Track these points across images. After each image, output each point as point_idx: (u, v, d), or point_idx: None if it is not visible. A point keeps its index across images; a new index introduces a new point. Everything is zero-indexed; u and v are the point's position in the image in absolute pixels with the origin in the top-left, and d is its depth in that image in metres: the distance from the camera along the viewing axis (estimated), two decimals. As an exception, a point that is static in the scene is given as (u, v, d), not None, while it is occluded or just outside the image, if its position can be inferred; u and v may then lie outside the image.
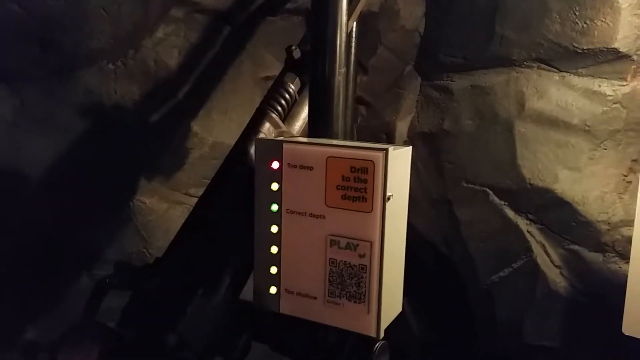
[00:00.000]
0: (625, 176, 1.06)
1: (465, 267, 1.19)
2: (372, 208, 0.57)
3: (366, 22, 1.09)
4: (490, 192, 1.15)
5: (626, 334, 0.89)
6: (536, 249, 1.09)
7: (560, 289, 1.07)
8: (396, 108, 1.28)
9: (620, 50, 1.00)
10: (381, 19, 1.19)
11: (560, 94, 1.06)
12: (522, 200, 1.11)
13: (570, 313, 1.06)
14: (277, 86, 0.83)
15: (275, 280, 0.64)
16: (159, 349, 0.60)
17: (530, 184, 1.10)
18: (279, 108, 0.80)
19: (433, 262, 1.25)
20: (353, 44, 0.84)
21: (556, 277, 1.07)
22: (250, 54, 1.09)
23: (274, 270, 0.64)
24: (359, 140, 1.28)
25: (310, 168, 0.60)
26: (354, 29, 0.82)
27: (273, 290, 0.64)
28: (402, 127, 1.28)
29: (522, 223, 1.10)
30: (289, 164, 0.61)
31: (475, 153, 1.16)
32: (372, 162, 0.56)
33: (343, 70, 0.68)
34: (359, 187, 0.57)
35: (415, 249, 1.24)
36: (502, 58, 1.12)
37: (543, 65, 1.09)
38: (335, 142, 0.66)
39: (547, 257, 1.08)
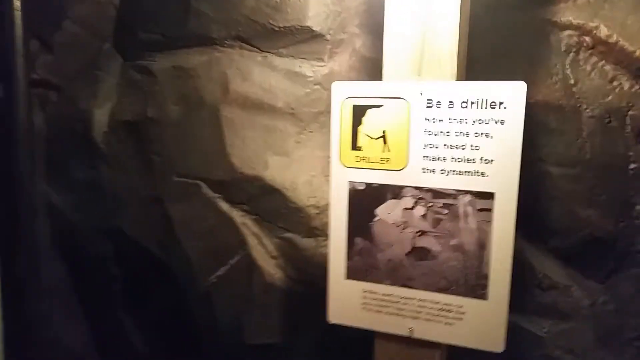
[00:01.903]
0: (330, 158, 1.03)
1: (183, 270, 1.06)
2: None
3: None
4: (203, 184, 1.04)
5: (332, 321, 0.85)
6: (252, 241, 1.01)
7: (277, 280, 1.00)
8: (93, 93, 1.08)
9: (314, 29, 0.97)
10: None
11: (264, 75, 0.99)
12: (235, 192, 1.02)
13: (288, 305, 1.01)
14: None
15: None
16: None
17: (241, 173, 1.01)
18: None
19: (149, 269, 1.09)
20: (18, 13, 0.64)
21: (272, 269, 1.01)
22: None
23: None
24: (49, 132, 1.04)
25: None
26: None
27: None
28: (101, 115, 1.08)
29: (236, 215, 1.02)
30: None
31: (184, 143, 1.04)
32: None
33: None
34: None
35: (128, 256, 1.07)
36: (202, 36, 1.01)
37: (244, 45, 1.01)
38: None
39: (262, 249, 1.01)
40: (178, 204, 1.05)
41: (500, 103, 0.70)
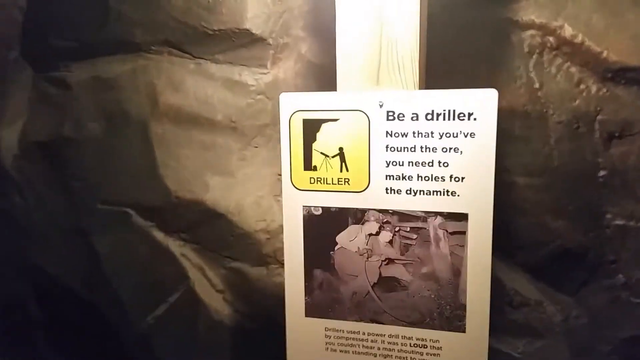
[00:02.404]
0: (280, 175, 0.93)
1: (114, 312, 0.93)
2: None
3: None
4: (133, 212, 0.91)
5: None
6: (194, 274, 0.92)
7: (226, 318, 0.89)
8: (0, 110, 0.92)
9: (254, 32, 0.86)
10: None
11: (199, 85, 0.88)
12: (171, 219, 0.91)
13: (240, 345, 0.90)
14: None
15: None
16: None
17: (177, 197, 0.89)
18: None
19: (75, 311, 0.94)
20: None
21: (220, 305, 0.90)
22: None
23: None
24: None
25: None
26: None
27: None
28: (10, 135, 0.93)
29: (174, 246, 0.92)
30: None
31: (108, 165, 0.91)
32: None
33: None
34: None
35: (50, 297, 0.92)
36: (124, 42, 0.88)
37: (174, 51, 0.89)
38: None
39: (207, 283, 0.91)
40: (104, 235, 0.92)
41: (470, 114, 0.63)
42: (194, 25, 0.87)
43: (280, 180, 0.90)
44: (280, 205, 0.92)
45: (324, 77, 0.84)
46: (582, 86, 0.76)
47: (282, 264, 0.92)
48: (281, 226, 0.92)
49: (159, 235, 0.92)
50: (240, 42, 0.88)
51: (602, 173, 0.78)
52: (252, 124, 0.90)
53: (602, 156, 0.78)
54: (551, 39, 0.77)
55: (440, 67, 0.79)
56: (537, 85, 0.78)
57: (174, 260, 0.91)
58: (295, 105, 0.68)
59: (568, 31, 0.76)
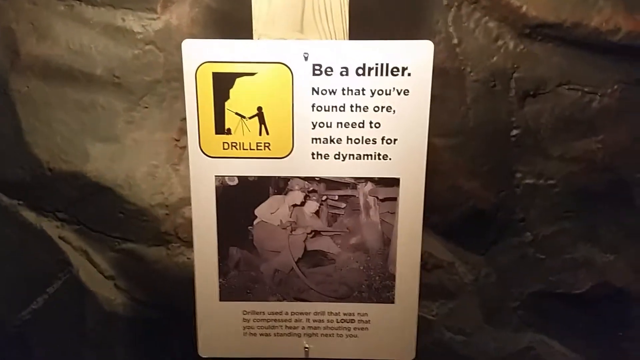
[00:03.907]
0: (178, 140, 0.82)
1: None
2: None
3: None
4: (-2, 189, 0.75)
5: (203, 356, 0.65)
6: (77, 259, 0.81)
7: (120, 308, 0.78)
8: None
9: (140, -32, 0.72)
10: None
11: (71, 31, 0.74)
12: (44, 195, 0.78)
13: (140, 339, 0.79)
14: None
15: None
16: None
17: (50, 169, 0.75)
18: None
19: None
20: None
21: (111, 293, 0.80)
22: None
23: None
24: None
25: None
26: None
27: None
28: None
29: (50, 227, 0.80)
30: None
31: (-46, 131, 0.72)
32: None
33: None
34: None
35: None
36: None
37: (36, -12, 0.71)
38: None
39: (93, 269, 0.82)
40: (-44, 219, 0.74)
41: (404, 68, 0.57)
42: (61, -44, 0.71)
43: (178, 147, 0.79)
44: (179, 176, 0.80)
45: (227, 27, 0.73)
46: (500, 42, 0.75)
47: (185, 243, 0.81)
48: (182, 200, 0.81)
49: (30, 215, 0.78)
50: (122, -19, 0.74)
51: (514, 132, 0.78)
52: (140, 80, 0.77)
53: (515, 115, 0.77)
54: (470, -9, 0.74)
55: (356, 20, 0.72)
56: (455, 41, 0.75)
57: (51, 245, 0.80)
58: (202, 55, 0.57)
59: (487, -17, 0.73)
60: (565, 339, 0.84)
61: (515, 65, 0.75)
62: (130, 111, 0.77)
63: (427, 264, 0.84)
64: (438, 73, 0.75)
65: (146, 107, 0.78)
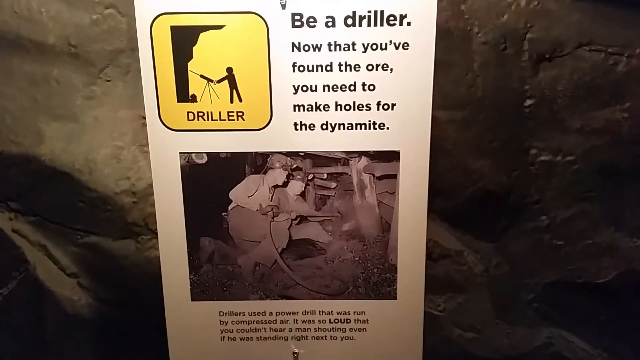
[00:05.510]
0: (145, 118, 0.74)
1: None
2: None
3: None
4: None
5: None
6: (34, 255, 0.77)
7: (84, 309, 0.77)
8: None
9: None
10: None
11: None
12: None
13: (105, 340, 0.74)
14: None
15: None
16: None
17: (-1, 152, 0.68)
18: None
19: None
20: None
21: (73, 293, 0.78)
22: None
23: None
24: None
25: None
26: None
27: None
28: None
29: (1, 219, 0.76)
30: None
31: None
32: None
33: None
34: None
35: None
36: None
37: (-27, -59, 0.64)
38: None
39: (53, 265, 0.77)
40: None
41: (402, 17, 0.48)
42: None
43: (146, 126, 0.71)
44: (148, 159, 0.73)
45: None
46: (510, -2, 0.67)
47: (156, 235, 0.75)
48: (152, 185, 0.74)
49: (-23, 206, 0.71)
50: None
51: (528, 102, 0.72)
52: (100, 49, 0.71)
53: (529, 82, 0.71)
54: (476, -64, 0.67)
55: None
56: (460, -3, 0.67)
57: (3, 240, 0.76)
58: (158, 5, 0.48)
59: None
60: (586, 334, 0.79)
61: (528, 25, 0.68)
62: (89, 85, 0.72)
63: (433, 254, 0.78)
64: (440, 34, 0.68)
65: (108, 80, 0.72)
